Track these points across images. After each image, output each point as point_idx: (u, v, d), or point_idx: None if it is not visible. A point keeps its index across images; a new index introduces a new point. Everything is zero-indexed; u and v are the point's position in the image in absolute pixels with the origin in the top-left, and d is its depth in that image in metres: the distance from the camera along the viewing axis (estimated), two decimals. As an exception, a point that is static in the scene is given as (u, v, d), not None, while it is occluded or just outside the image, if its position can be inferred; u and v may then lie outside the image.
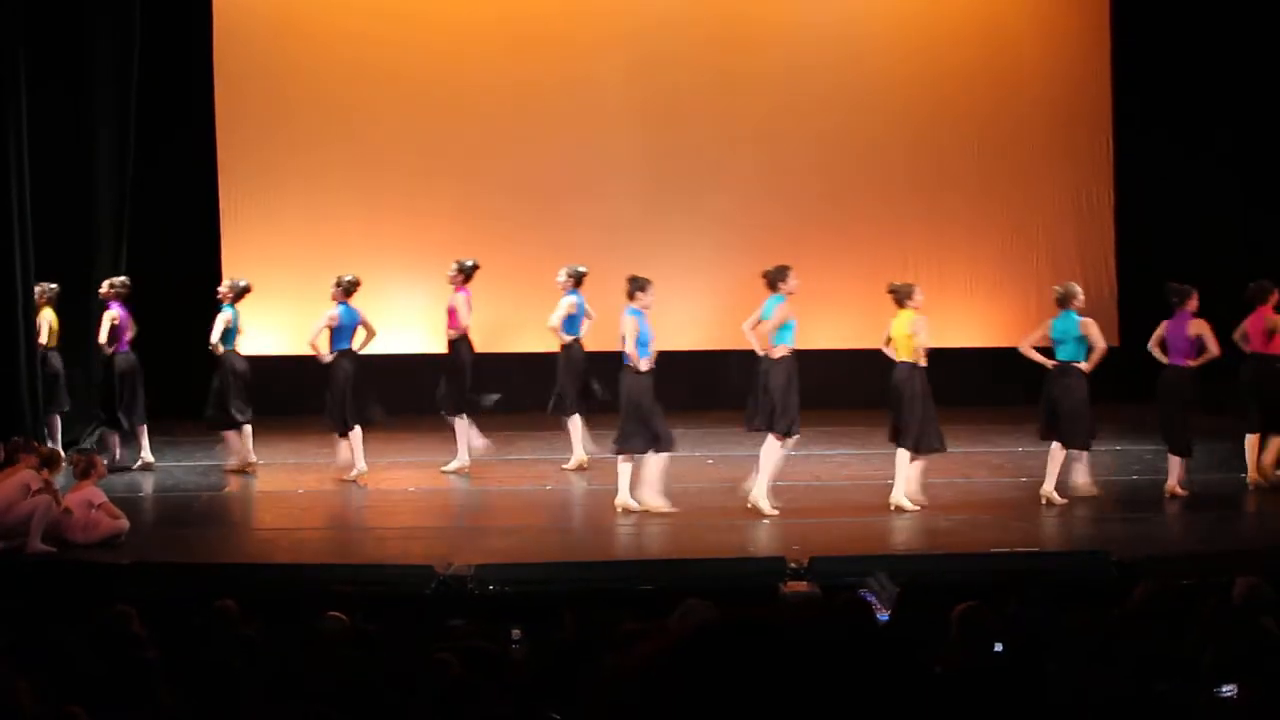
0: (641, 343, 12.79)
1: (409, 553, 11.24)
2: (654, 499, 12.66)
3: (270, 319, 17.94)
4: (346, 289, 14.80)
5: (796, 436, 12.90)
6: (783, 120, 18.55)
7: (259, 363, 16.88)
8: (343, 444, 14.47)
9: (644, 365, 12.88)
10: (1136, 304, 18.40)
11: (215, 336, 14.77)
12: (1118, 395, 17.33)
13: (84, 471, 11.97)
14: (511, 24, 18.42)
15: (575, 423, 15.06)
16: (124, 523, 11.73)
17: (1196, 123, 17.77)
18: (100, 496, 11.77)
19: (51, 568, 10.84)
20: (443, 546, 11.34)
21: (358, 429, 14.37)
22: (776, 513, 12.59)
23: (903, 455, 12.82)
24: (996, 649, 6.80)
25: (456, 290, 15.10)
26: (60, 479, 12.11)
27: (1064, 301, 13.46)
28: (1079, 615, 7.44)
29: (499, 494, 13.96)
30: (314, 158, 18.29)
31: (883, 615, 8.14)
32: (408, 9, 18.40)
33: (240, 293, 14.98)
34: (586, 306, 15.20)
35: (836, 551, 10.93)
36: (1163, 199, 18.06)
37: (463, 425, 14.85)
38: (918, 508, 12.66)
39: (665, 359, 18.25)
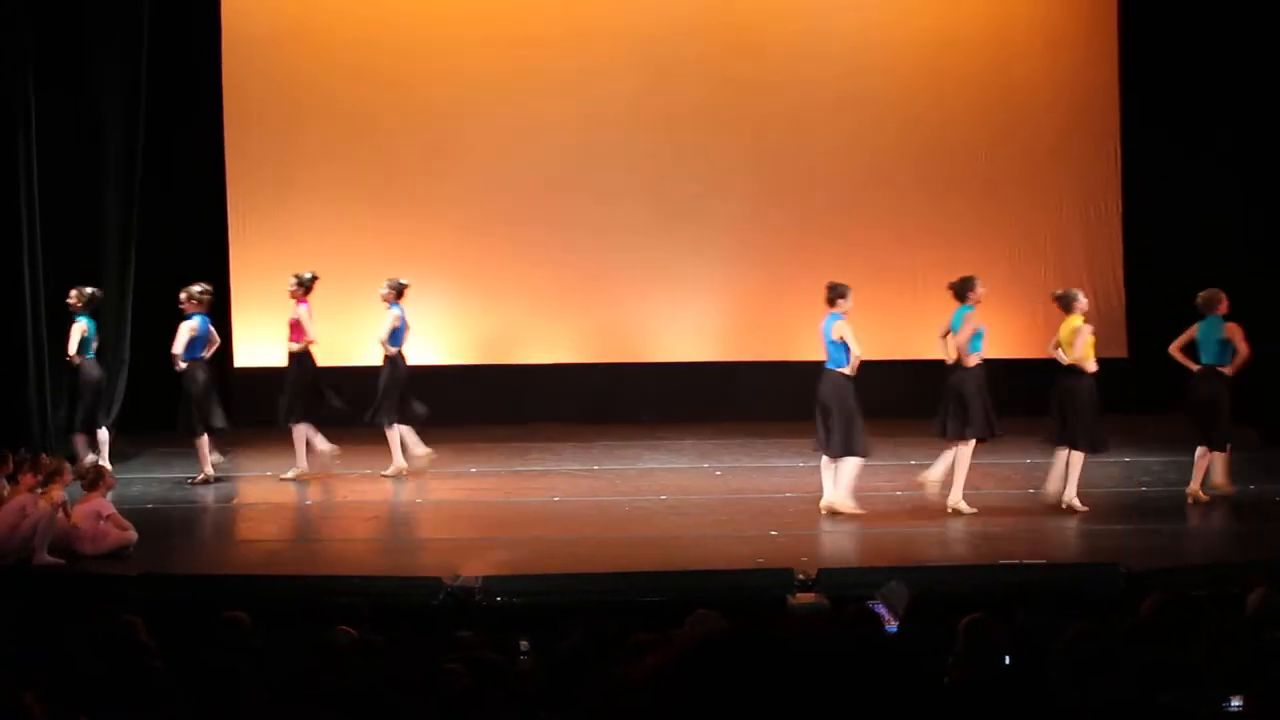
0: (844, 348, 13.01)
1: (416, 564, 11.24)
2: (845, 501, 12.99)
3: (278, 329, 17.95)
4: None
5: (974, 442, 13.28)
6: (790, 130, 18.55)
7: (268, 374, 16.90)
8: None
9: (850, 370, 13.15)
10: (1144, 314, 18.39)
11: (73, 348, 14.83)
12: (1126, 406, 17.33)
13: (92, 483, 11.96)
14: (521, 34, 18.43)
15: (395, 432, 15.16)
16: (132, 534, 11.73)
17: (1204, 133, 17.75)
18: (108, 508, 11.77)
19: (59, 579, 10.84)
20: (450, 558, 11.33)
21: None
22: (975, 511, 12.94)
23: (1076, 457, 13.12)
24: (1005, 661, 6.79)
25: (299, 303, 15.02)
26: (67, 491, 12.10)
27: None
28: (1087, 626, 7.42)
29: (506, 505, 13.95)
30: (322, 167, 18.30)
31: (893, 625, 8.13)
32: (415, 19, 18.41)
33: (89, 300, 14.97)
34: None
35: (845, 563, 10.92)
36: (1170, 209, 18.04)
37: (301, 433, 14.87)
38: (1086, 509, 12.99)
39: (672, 370, 18.34)
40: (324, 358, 17.82)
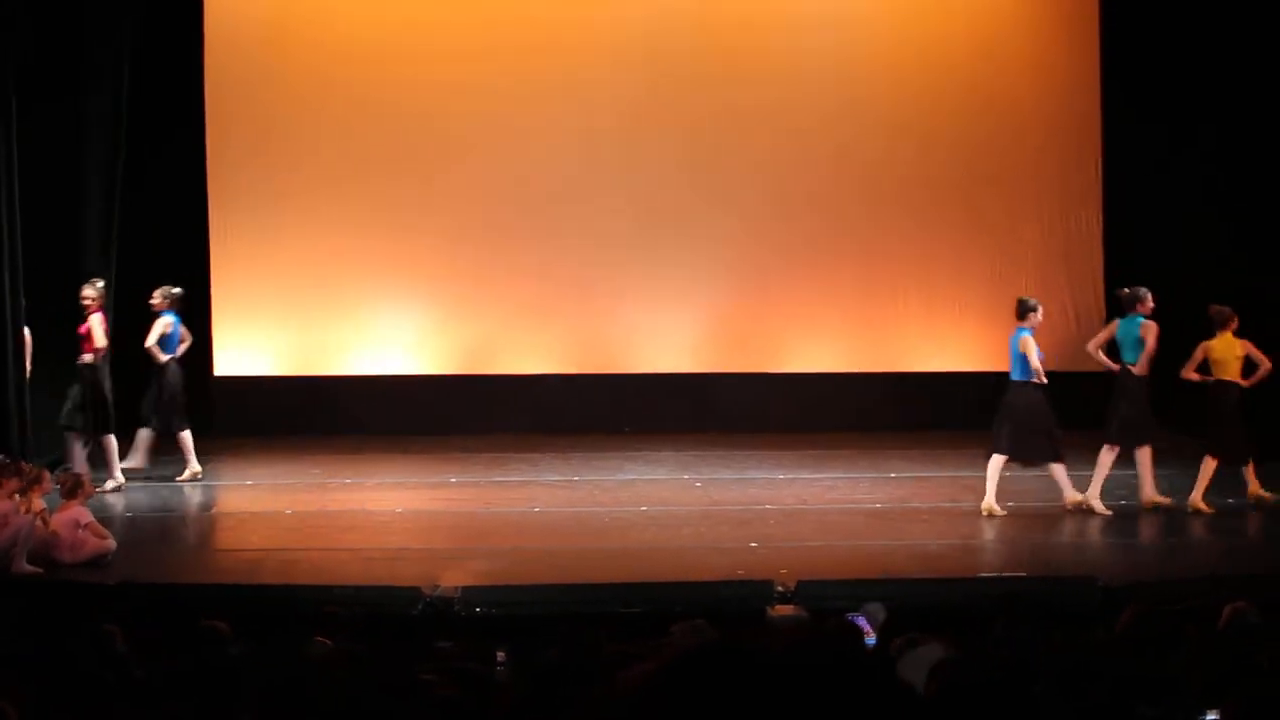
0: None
1: (395, 574, 11.22)
2: (1093, 497, 13.51)
3: (259, 337, 17.96)
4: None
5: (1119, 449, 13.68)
6: (773, 144, 18.57)
7: (248, 383, 16.90)
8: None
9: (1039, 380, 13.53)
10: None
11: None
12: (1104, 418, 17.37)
13: (71, 491, 11.92)
14: (507, 43, 18.43)
15: (188, 436, 15.25)
16: (110, 542, 11.70)
17: (1185, 146, 17.80)
18: (87, 516, 11.73)
19: (37, 587, 10.81)
20: (429, 568, 11.32)
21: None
22: (1110, 513, 13.33)
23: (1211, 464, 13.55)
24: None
25: (94, 312, 15.01)
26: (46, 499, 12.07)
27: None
28: (1065, 639, 7.44)
29: (486, 516, 13.94)
30: (304, 173, 18.28)
31: (872, 638, 8.14)
32: (400, 25, 18.40)
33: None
34: (182, 328, 15.17)
35: (824, 575, 10.93)
36: (1151, 221, 18.08)
37: (111, 443, 14.94)
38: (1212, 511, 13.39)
39: (652, 381, 18.35)
40: (303, 366, 17.84)
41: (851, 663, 2.60)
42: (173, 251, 17.59)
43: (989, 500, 13.45)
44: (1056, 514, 13.62)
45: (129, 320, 16.08)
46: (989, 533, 12.91)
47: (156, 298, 15.32)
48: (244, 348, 17.97)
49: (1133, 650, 7.12)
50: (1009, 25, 19.01)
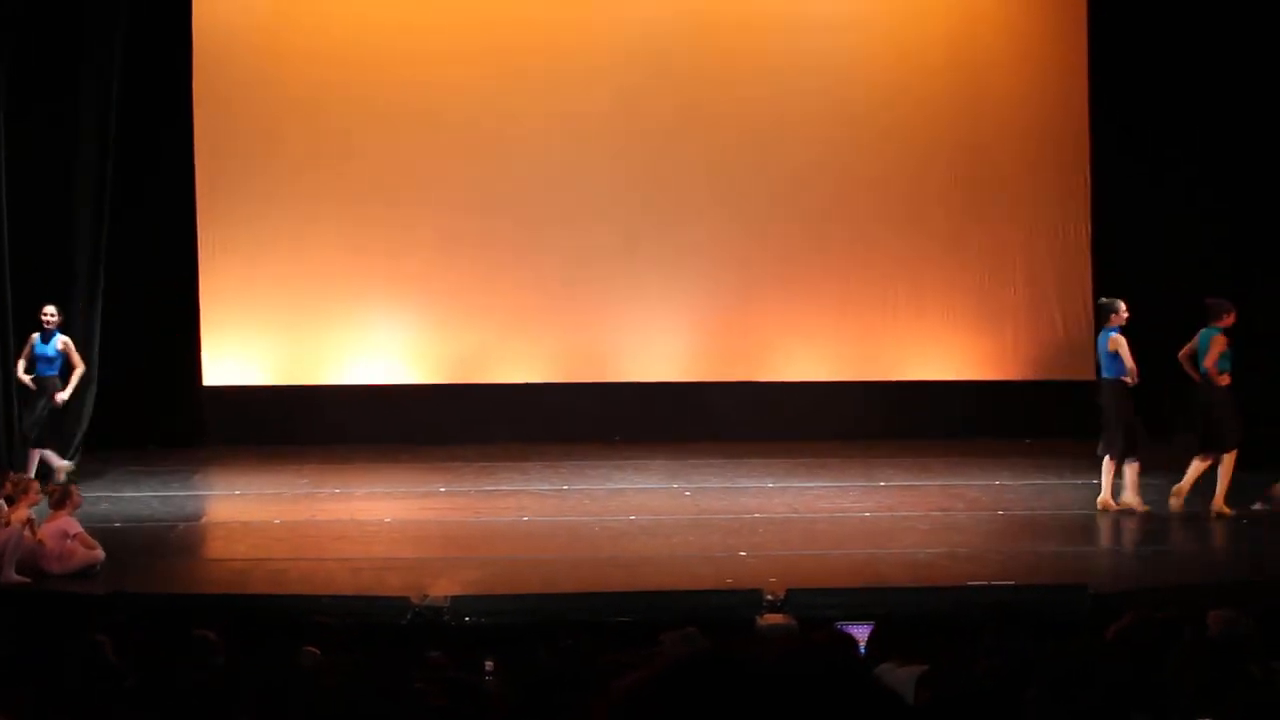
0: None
1: (385, 584, 11.21)
2: (1134, 499, 13.66)
3: (247, 346, 17.93)
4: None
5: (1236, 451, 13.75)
6: (762, 152, 18.58)
7: (236, 392, 16.89)
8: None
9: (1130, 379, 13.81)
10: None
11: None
12: (1097, 430, 17.38)
13: (59, 502, 11.90)
14: (494, 54, 18.42)
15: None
16: (99, 553, 11.67)
17: (1174, 156, 17.83)
18: (75, 527, 11.71)
19: (26, 598, 10.78)
20: (419, 577, 11.31)
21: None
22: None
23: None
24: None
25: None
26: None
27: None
28: (1055, 647, 7.44)
29: (476, 525, 13.93)
30: (293, 186, 18.25)
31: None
32: (390, 38, 18.38)
33: None
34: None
35: (814, 584, 10.92)
36: (1140, 232, 18.10)
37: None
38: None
39: (642, 390, 18.34)
40: (292, 375, 17.84)
41: (844, 673, 2.59)
42: (162, 261, 17.56)
43: (1129, 496, 13.68)
44: (1046, 521, 13.64)
45: (117, 333, 16.10)
46: (978, 541, 12.90)
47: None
48: (232, 357, 17.94)
49: (1123, 658, 7.12)
50: (997, 32, 19.02)
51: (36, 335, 15.13)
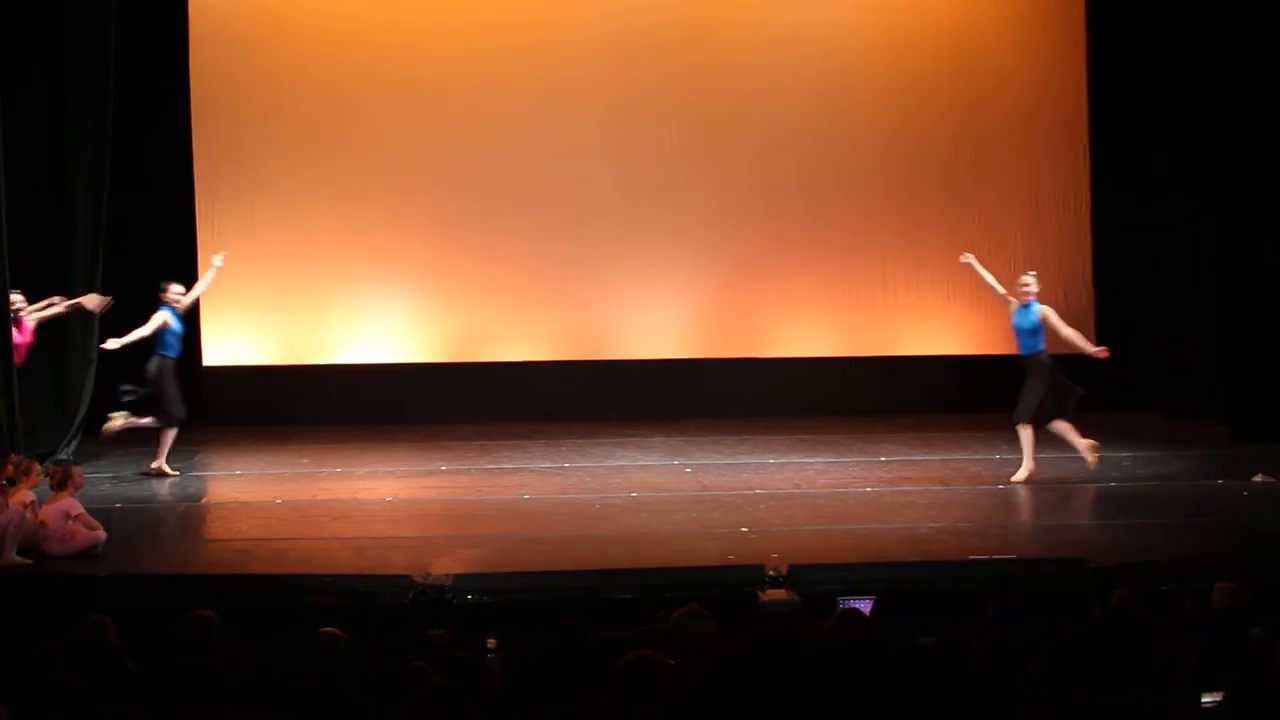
0: None
1: (387, 562, 11.20)
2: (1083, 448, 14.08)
3: (247, 327, 17.93)
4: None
5: None
6: (761, 132, 18.57)
7: (236, 372, 16.88)
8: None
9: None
10: (1113, 311, 18.48)
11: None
12: (1094, 402, 17.39)
13: (60, 483, 11.89)
14: (491, 32, 18.41)
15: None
16: (101, 534, 11.67)
17: (1173, 131, 17.81)
18: (77, 508, 11.70)
19: (27, 580, 10.78)
20: (420, 556, 11.30)
21: None
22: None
23: None
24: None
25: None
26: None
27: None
28: (1057, 621, 7.44)
29: (477, 503, 13.93)
30: (291, 169, 18.25)
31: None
32: (386, 21, 18.37)
33: None
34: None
35: (815, 559, 10.92)
36: (1139, 207, 18.10)
37: None
38: None
39: (641, 366, 18.34)
40: (294, 355, 17.83)
41: (911, 654, 2.59)
42: (160, 243, 17.55)
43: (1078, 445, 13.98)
44: (1046, 495, 13.64)
45: (116, 313, 16.04)
46: (979, 515, 12.90)
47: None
48: (232, 338, 17.94)
49: (1124, 631, 7.12)
50: (996, 10, 19.00)
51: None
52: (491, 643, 8.34)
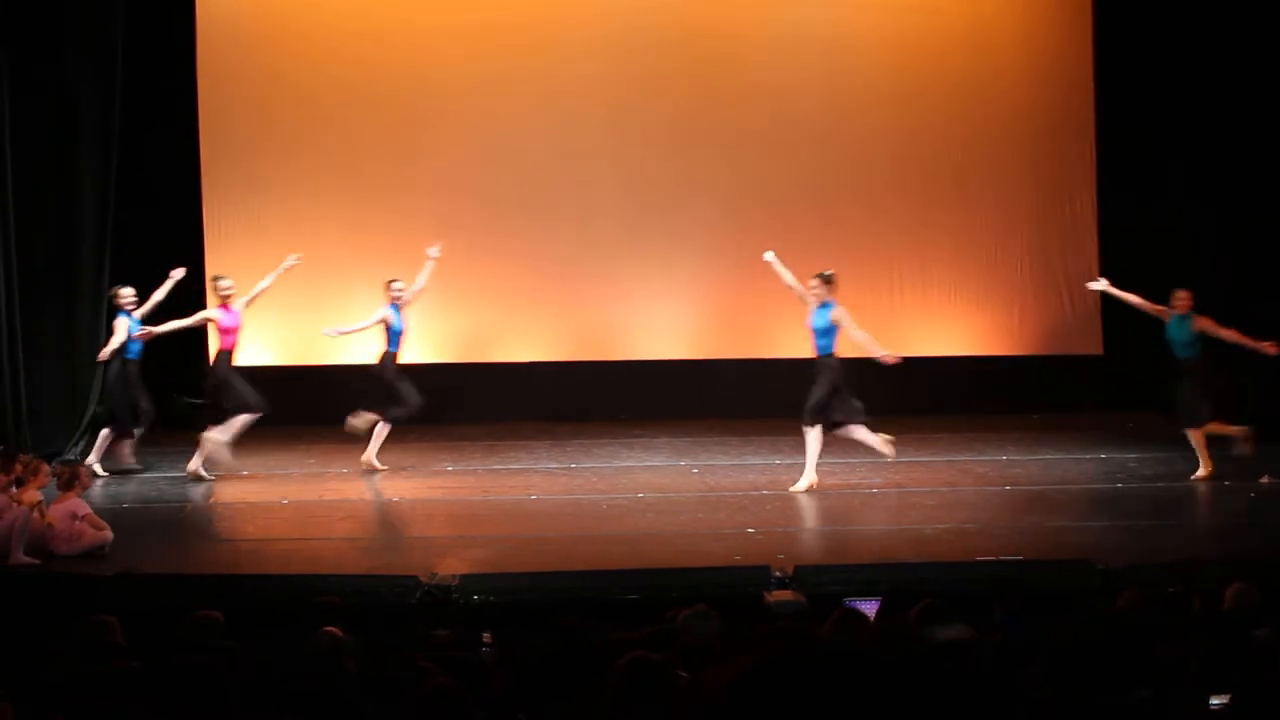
0: None
1: (393, 563, 11.21)
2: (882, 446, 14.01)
3: (253, 327, 17.90)
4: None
5: None
6: (767, 132, 18.56)
7: (243, 373, 16.86)
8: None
9: None
10: (1119, 312, 18.44)
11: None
12: (1102, 403, 17.42)
13: (67, 483, 11.91)
14: (494, 33, 18.42)
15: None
16: (108, 534, 11.69)
17: (1179, 132, 17.79)
18: (84, 508, 11.72)
19: (34, 580, 10.79)
20: (427, 556, 11.31)
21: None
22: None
23: None
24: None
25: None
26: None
27: None
28: (1058, 622, 7.43)
29: (483, 504, 13.94)
30: (297, 165, 18.28)
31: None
32: (392, 18, 18.38)
33: None
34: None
35: (822, 560, 10.92)
36: (1145, 207, 18.08)
37: None
38: None
39: (648, 367, 18.34)
40: (301, 356, 17.84)
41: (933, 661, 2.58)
42: (167, 243, 17.57)
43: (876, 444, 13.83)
44: (1053, 496, 13.64)
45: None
46: (985, 516, 12.89)
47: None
48: (240, 338, 17.94)
49: (1133, 633, 7.12)
50: (1001, 10, 18.98)
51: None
52: (486, 637, 8.34)
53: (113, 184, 16.63)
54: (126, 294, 15.11)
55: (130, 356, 15.04)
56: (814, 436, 13.83)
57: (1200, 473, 14.13)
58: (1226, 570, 9.22)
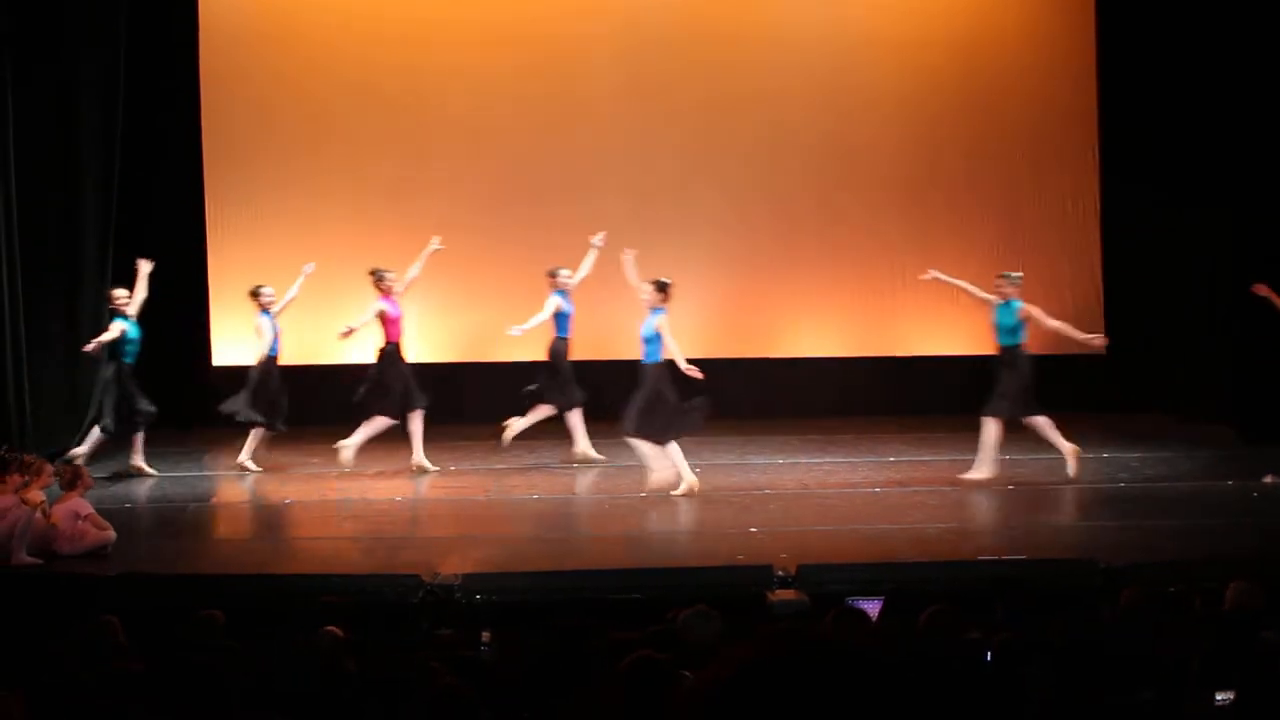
0: None
1: (396, 562, 11.22)
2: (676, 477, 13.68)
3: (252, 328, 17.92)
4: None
5: None
6: (773, 128, 18.56)
7: (245, 372, 16.87)
8: None
9: None
10: (1122, 311, 18.45)
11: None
12: (1104, 402, 17.42)
13: (70, 482, 11.92)
14: (499, 29, 18.43)
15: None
16: (110, 533, 11.69)
17: (1183, 129, 17.78)
18: (87, 508, 11.73)
19: (37, 580, 10.80)
20: (430, 556, 11.32)
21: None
22: None
23: None
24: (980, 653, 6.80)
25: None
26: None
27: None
28: (1066, 621, 7.44)
29: (486, 503, 13.95)
30: (299, 163, 18.29)
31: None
32: (394, 16, 18.39)
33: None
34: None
35: (824, 559, 10.92)
36: (1149, 207, 18.07)
37: None
38: None
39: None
40: (300, 356, 17.84)
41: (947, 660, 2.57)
42: (170, 242, 17.57)
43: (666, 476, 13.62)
44: (1055, 495, 13.63)
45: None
46: (988, 516, 12.90)
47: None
48: (242, 337, 17.92)
49: (1133, 632, 7.12)
50: (1007, 7, 18.98)
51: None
52: (485, 636, 8.34)
53: (115, 183, 16.64)
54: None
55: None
56: (641, 446, 13.80)
57: (975, 474, 14.02)
58: (1229, 569, 9.22)
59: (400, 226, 18.15)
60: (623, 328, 18.19)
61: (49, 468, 12.11)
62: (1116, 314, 18.54)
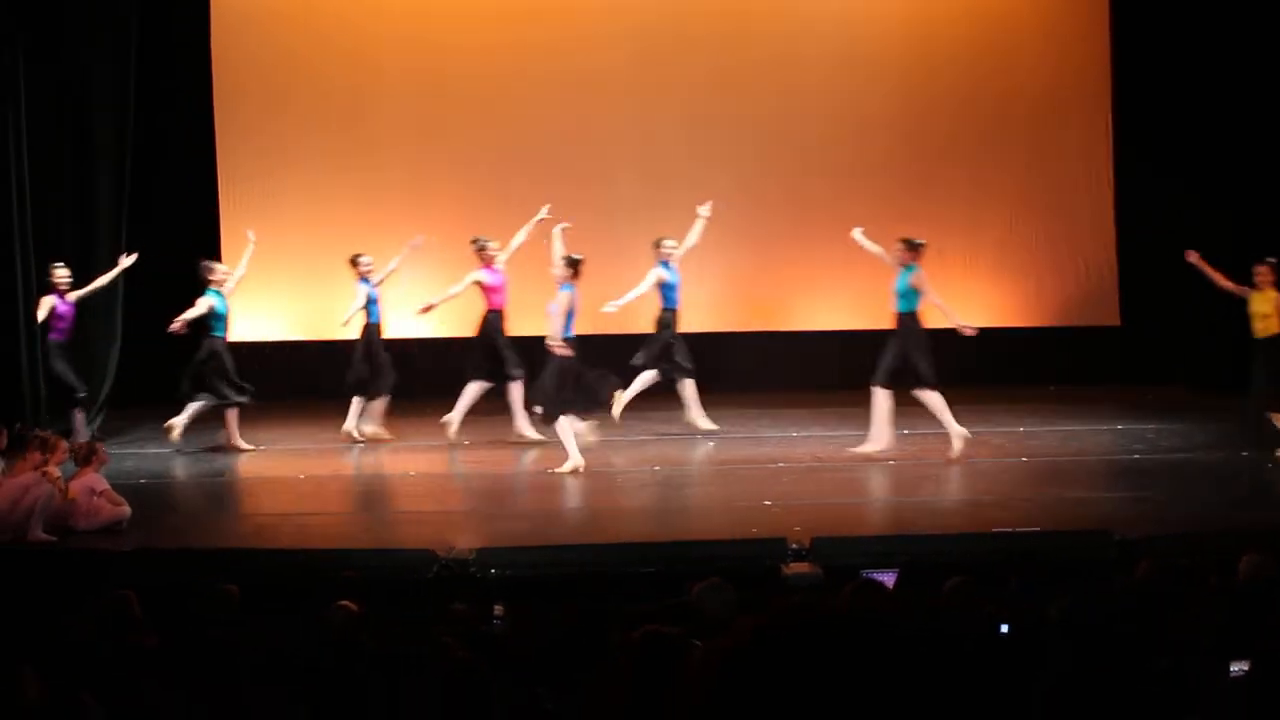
0: None
1: (410, 537, 11.23)
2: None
3: (270, 305, 17.97)
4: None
5: None
6: (782, 108, 18.54)
7: (259, 348, 16.93)
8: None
9: None
10: (1137, 283, 18.42)
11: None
12: (1119, 373, 17.40)
13: (85, 458, 11.95)
14: (510, 6, 18.42)
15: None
16: (125, 509, 11.72)
17: (1196, 101, 17.73)
18: (102, 483, 11.76)
19: (53, 555, 10.83)
20: (443, 531, 11.33)
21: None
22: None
23: None
24: (1002, 630, 6.79)
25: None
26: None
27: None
28: (1080, 593, 7.42)
29: (499, 478, 13.96)
30: (311, 142, 18.29)
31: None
32: (408, 1, 18.41)
33: None
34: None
35: (838, 532, 10.92)
36: (1164, 180, 18.02)
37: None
38: None
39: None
40: (310, 332, 17.87)
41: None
42: (183, 221, 17.62)
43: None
44: (1070, 467, 13.62)
45: (140, 291, 16.12)
46: (1002, 488, 12.88)
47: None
48: (256, 313, 17.96)
49: (1148, 603, 7.11)
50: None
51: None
52: (498, 609, 8.35)
53: (128, 163, 16.65)
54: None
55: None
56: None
57: (867, 447, 14.00)
58: (1243, 541, 9.19)
59: (412, 205, 18.18)
60: (640, 302, 18.26)
61: (64, 444, 12.14)
62: (1131, 285, 18.51)
